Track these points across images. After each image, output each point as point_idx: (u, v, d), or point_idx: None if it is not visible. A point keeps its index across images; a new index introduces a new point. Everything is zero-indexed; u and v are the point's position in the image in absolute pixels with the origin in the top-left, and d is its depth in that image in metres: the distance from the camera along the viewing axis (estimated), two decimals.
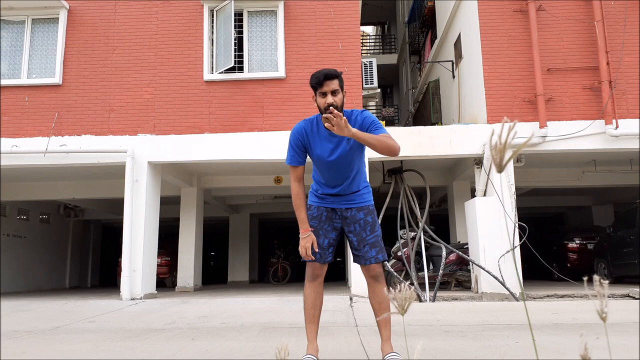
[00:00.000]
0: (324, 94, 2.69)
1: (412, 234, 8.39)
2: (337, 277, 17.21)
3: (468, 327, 4.54)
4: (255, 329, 4.77)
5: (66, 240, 15.81)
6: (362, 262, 2.84)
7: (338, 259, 20.02)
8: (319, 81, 2.68)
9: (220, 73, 8.42)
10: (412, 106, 15.38)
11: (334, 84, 2.69)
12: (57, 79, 8.50)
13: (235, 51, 8.38)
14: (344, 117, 2.44)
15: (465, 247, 8.40)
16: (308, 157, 2.89)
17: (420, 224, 8.24)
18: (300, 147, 2.83)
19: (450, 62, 10.72)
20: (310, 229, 2.81)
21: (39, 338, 4.52)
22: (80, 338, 4.44)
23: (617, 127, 7.68)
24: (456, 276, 8.58)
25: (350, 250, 2.91)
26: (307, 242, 2.77)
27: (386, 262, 8.00)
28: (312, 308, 2.85)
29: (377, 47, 22.24)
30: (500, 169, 1.09)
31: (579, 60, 8.07)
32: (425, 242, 8.26)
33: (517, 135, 1.04)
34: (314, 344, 2.82)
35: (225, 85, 8.46)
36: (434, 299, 7.17)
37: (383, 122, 8.81)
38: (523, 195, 12.41)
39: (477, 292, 7.55)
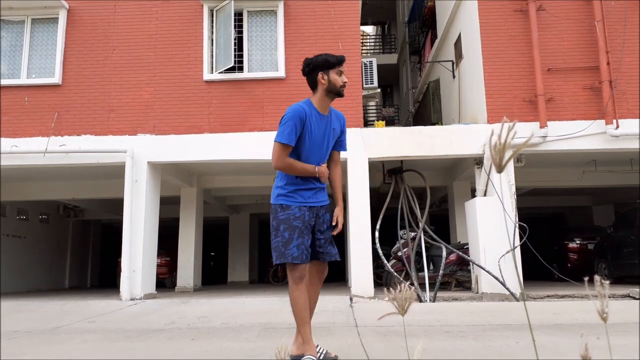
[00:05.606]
0: (341, 73, 3.01)
1: (412, 234, 8.39)
2: (337, 277, 17.18)
3: (468, 328, 4.53)
4: (255, 329, 4.77)
5: (66, 240, 15.80)
6: (328, 259, 2.96)
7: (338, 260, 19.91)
8: (341, 60, 3.00)
9: (220, 73, 8.41)
10: (412, 106, 15.36)
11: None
12: (56, 79, 8.49)
13: (235, 51, 8.37)
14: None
15: (465, 247, 8.39)
16: None
17: (420, 224, 8.23)
18: (300, 126, 2.95)
19: (451, 62, 10.71)
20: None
21: (39, 338, 4.51)
22: (80, 338, 4.44)
23: (617, 127, 7.67)
24: (456, 276, 8.58)
25: (319, 249, 2.95)
26: (322, 167, 2.96)
27: (386, 262, 8.01)
28: (304, 310, 2.82)
29: (377, 47, 22.23)
30: (500, 169, 1.08)
31: (579, 60, 8.06)
32: (426, 242, 8.26)
33: (517, 135, 1.03)
34: (311, 344, 2.82)
35: (225, 85, 8.45)
36: (434, 299, 7.16)
37: (383, 122, 8.80)
38: (523, 195, 12.39)
39: (477, 293, 7.55)
